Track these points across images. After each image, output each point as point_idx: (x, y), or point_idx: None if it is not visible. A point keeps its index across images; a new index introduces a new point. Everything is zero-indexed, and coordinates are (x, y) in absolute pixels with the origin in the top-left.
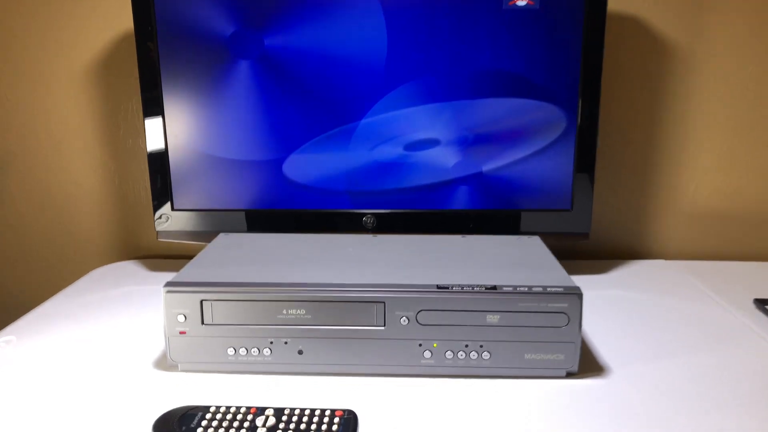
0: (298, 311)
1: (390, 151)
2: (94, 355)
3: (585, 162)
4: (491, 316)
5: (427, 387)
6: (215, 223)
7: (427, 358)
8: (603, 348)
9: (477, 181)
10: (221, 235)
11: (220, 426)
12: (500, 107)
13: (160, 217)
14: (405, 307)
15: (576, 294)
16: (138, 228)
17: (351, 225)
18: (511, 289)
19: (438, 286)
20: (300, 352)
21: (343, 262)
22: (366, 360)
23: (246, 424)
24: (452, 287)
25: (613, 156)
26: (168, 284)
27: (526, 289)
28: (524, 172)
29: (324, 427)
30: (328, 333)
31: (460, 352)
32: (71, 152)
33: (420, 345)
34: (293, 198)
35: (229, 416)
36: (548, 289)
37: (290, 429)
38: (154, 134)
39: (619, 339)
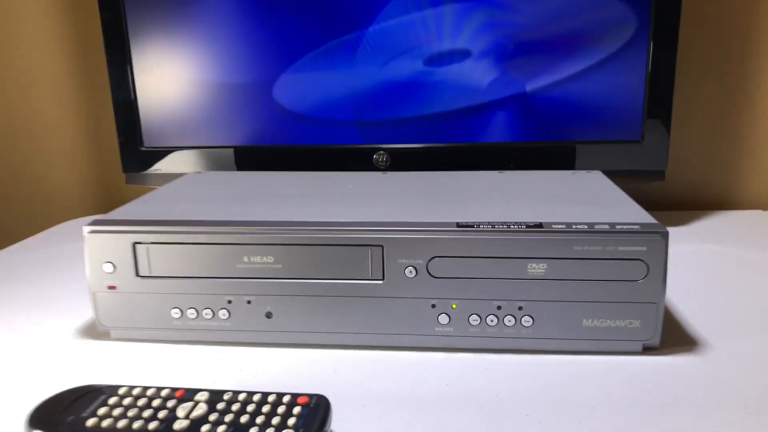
0: (265, 259)
1: (406, 68)
2: (15, 320)
3: (661, 79)
4: (535, 266)
5: (442, 365)
6: (195, 164)
7: (444, 325)
8: (691, 315)
9: (519, 104)
10: (189, 174)
11: (123, 416)
12: (549, 4)
13: (127, 159)
14: (412, 252)
15: (659, 233)
16: (114, 177)
17: (358, 164)
18: (563, 226)
19: (459, 224)
20: (268, 316)
21: (333, 198)
22: (357, 327)
23: (162, 414)
24: (479, 225)
25: (697, 76)
26: (92, 223)
27: (586, 226)
28: (580, 91)
29: (276, 420)
30: (306, 289)
31: (490, 317)
32: (39, 91)
33: (433, 306)
34: (287, 131)
35: (141, 401)
36: (618, 226)
37: (224, 422)
38: (116, 56)
39: (712, 305)
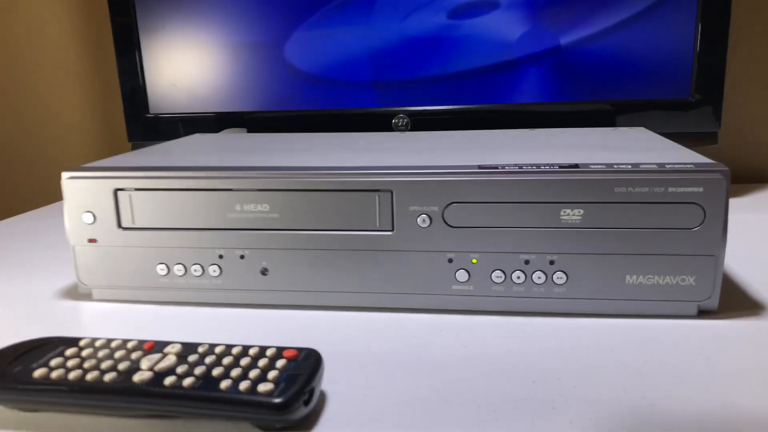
0: (260, 207)
1: (428, 21)
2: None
3: (713, 28)
4: (569, 212)
5: (460, 328)
6: (204, 132)
7: (462, 282)
8: (752, 280)
9: (553, 60)
10: (197, 135)
11: (78, 367)
12: None
13: (133, 127)
14: (425, 197)
15: (718, 171)
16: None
17: (376, 129)
18: (603, 167)
19: (481, 166)
20: (263, 272)
21: (341, 149)
22: (363, 285)
23: (122, 365)
24: (504, 166)
25: (757, 25)
26: (72, 169)
27: (630, 166)
28: (621, 44)
29: (254, 373)
30: (305, 242)
31: (517, 273)
32: (42, 57)
33: (450, 261)
34: (300, 94)
35: (102, 353)
36: (668, 165)
37: (193, 375)
38: (121, 19)
39: None
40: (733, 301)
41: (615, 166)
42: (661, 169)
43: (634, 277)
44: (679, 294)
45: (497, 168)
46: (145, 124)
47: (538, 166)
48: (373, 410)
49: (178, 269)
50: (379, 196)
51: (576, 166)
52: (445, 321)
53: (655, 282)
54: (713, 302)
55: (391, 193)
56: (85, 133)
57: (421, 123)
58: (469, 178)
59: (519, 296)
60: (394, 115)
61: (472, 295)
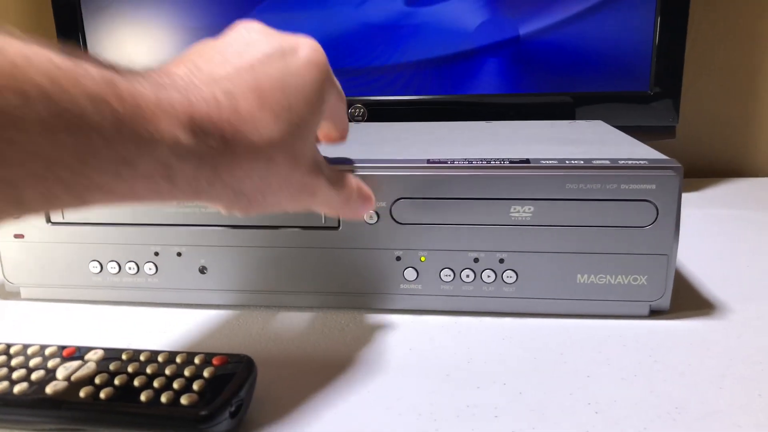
0: None
1: (385, 8)
2: None
3: (673, 20)
4: (519, 209)
5: (406, 328)
6: None
7: (410, 281)
8: (704, 278)
9: (512, 50)
10: None
11: None
12: None
13: None
14: (373, 192)
15: (671, 168)
16: None
17: None
18: (555, 162)
19: (429, 161)
20: (202, 271)
21: None
22: (308, 284)
23: (36, 375)
24: (453, 161)
25: (716, 19)
26: None
27: (582, 162)
28: (581, 35)
29: (179, 383)
30: (246, 239)
31: (466, 272)
32: None
33: (398, 259)
34: None
35: (17, 361)
36: (621, 161)
37: (112, 385)
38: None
39: (727, 267)
40: (685, 300)
41: (567, 162)
42: (614, 165)
43: (585, 276)
44: (630, 294)
45: (446, 162)
46: None
47: (488, 161)
48: (310, 419)
49: (111, 267)
50: None
51: (527, 161)
52: (391, 321)
53: (607, 281)
54: (665, 302)
55: None
56: None
57: (378, 113)
58: (417, 173)
59: (468, 295)
60: (350, 105)
61: (420, 294)
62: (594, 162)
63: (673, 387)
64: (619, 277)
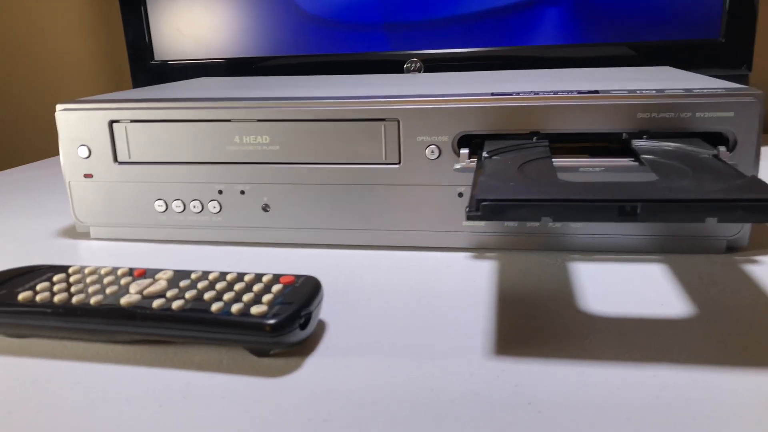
0: (260, 139)
1: None
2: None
3: None
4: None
5: (470, 267)
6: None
7: None
8: None
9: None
10: (201, 78)
11: (64, 291)
12: None
13: (138, 74)
14: (434, 126)
15: (752, 95)
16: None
17: (388, 72)
18: (624, 92)
19: (494, 93)
20: (264, 209)
21: (348, 83)
22: (368, 222)
23: (110, 289)
24: (518, 93)
25: None
26: (66, 102)
27: (654, 91)
28: None
29: (248, 296)
30: (308, 176)
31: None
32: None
33: (460, 195)
34: (308, 38)
35: (91, 278)
36: (696, 90)
37: (183, 298)
38: None
39: None
40: (764, 236)
41: (638, 92)
42: (688, 93)
43: None
44: (707, 229)
45: (511, 95)
46: (150, 71)
47: (555, 92)
48: (372, 340)
49: (176, 205)
50: (385, 127)
51: (596, 92)
52: (454, 258)
53: None
54: (743, 238)
55: (398, 122)
56: (92, 81)
57: (435, 67)
58: (482, 105)
59: (530, 232)
60: (406, 59)
61: (483, 232)
62: (667, 91)
63: (745, 327)
64: None
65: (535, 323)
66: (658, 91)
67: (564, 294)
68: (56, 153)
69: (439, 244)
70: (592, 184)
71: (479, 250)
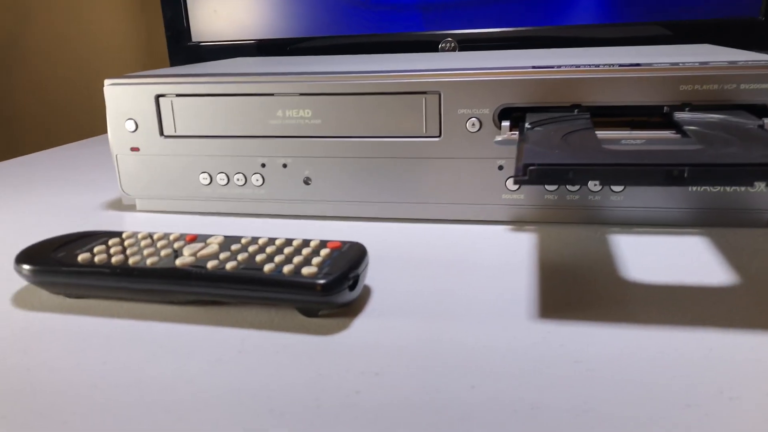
0: (302, 112)
1: None
2: (47, 195)
3: None
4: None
5: (509, 239)
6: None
7: (513, 191)
8: None
9: None
10: (239, 58)
11: (120, 253)
12: None
13: (175, 55)
14: (476, 99)
15: None
16: None
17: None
18: (667, 65)
19: (535, 66)
20: (306, 182)
21: (388, 58)
22: (408, 194)
23: (164, 252)
24: (560, 66)
25: None
26: (114, 77)
27: (697, 63)
28: None
29: (298, 259)
30: (350, 149)
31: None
32: None
33: (500, 168)
34: (342, 18)
35: (145, 242)
36: (740, 62)
37: (235, 260)
38: None
39: None
40: None
41: (681, 64)
42: (733, 65)
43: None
44: (747, 202)
45: (553, 67)
46: (187, 52)
47: (596, 65)
48: (416, 304)
49: (220, 178)
50: (426, 99)
51: (638, 64)
52: (493, 231)
53: (721, 189)
54: None
55: (439, 95)
56: (130, 63)
57: (469, 47)
58: (522, 78)
59: (571, 205)
60: (441, 39)
61: (523, 205)
62: (711, 63)
63: None
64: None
65: (578, 290)
66: (701, 63)
67: (605, 264)
68: (99, 132)
69: (479, 217)
70: (638, 151)
71: (518, 223)
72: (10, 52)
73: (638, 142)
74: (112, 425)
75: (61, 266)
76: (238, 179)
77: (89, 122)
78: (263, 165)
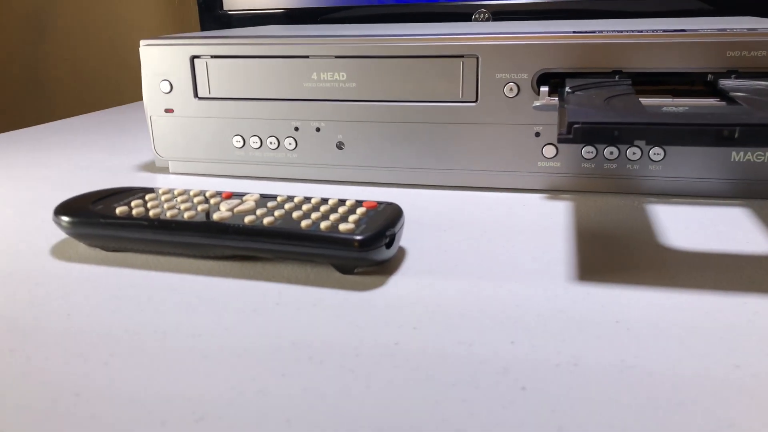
0: (336, 76)
1: None
2: (83, 156)
3: None
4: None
5: (545, 206)
6: None
7: (549, 159)
8: None
9: None
10: (273, 26)
11: (158, 207)
12: None
13: (207, 24)
14: (514, 63)
15: None
16: None
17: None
18: (714, 30)
19: (576, 31)
20: (339, 146)
21: (426, 25)
22: (444, 161)
23: (201, 207)
24: (602, 31)
25: None
26: (150, 38)
27: (745, 30)
28: None
29: (334, 216)
30: (384, 114)
31: (610, 149)
32: None
33: (537, 135)
34: None
35: (182, 198)
36: None
37: (272, 215)
38: None
39: None
40: None
41: (728, 30)
42: None
43: (741, 154)
44: None
45: (594, 32)
46: (219, 21)
47: (639, 30)
48: (453, 264)
49: (253, 141)
50: (463, 63)
51: (683, 30)
52: (529, 199)
53: (765, 159)
54: None
55: (477, 58)
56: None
57: (503, 18)
58: (563, 42)
59: (611, 174)
60: (474, 9)
61: (559, 173)
62: (759, 29)
63: None
64: None
65: (617, 255)
66: (749, 29)
67: (643, 232)
68: (134, 99)
69: (514, 185)
70: (685, 113)
71: (554, 191)
72: (44, 21)
73: (681, 109)
74: (150, 368)
75: (100, 218)
76: (271, 143)
77: (121, 90)
78: (296, 128)
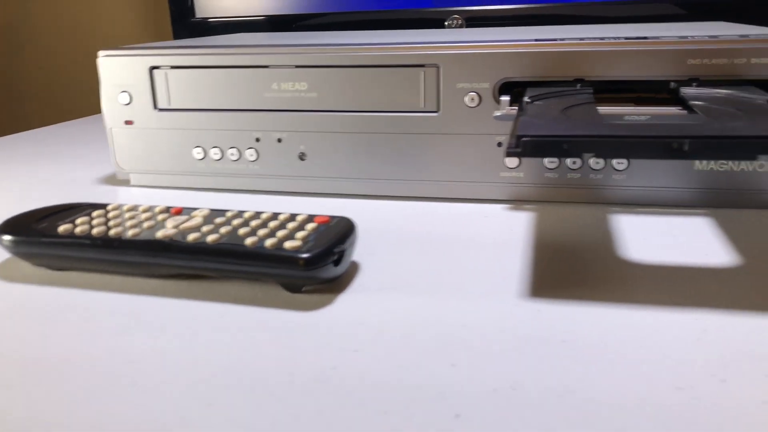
0: (297, 85)
1: None
2: (45, 170)
3: None
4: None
5: (507, 217)
6: None
7: (512, 168)
8: None
9: None
10: (241, 33)
11: (102, 224)
12: None
13: (179, 31)
14: (475, 73)
15: None
16: None
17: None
18: (675, 38)
19: (538, 40)
20: (301, 157)
21: (388, 34)
22: (405, 171)
23: (147, 224)
24: (563, 39)
25: None
26: (108, 48)
27: (706, 37)
28: None
29: (282, 233)
30: (345, 124)
31: (573, 159)
32: None
33: (500, 145)
34: None
35: (129, 215)
36: (751, 35)
37: (218, 233)
38: None
39: None
40: None
41: (689, 37)
42: (744, 38)
43: (703, 163)
44: (756, 182)
45: (556, 40)
46: (191, 28)
47: (601, 38)
48: (405, 281)
49: (214, 153)
50: (424, 73)
51: (644, 38)
52: (491, 209)
53: (728, 168)
54: None
55: (438, 68)
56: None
57: (477, 25)
58: (524, 51)
59: (575, 184)
60: (447, 15)
61: (521, 183)
62: (720, 37)
63: None
64: (743, 163)
65: (573, 269)
66: (711, 36)
67: (604, 243)
68: (96, 111)
69: (477, 195)
70: (640, 125)
71: (517, 201)
72: (18, 33)
73: (642, 118)
74: (75, 396)
75: (41, 237)
76: (232, 154)
77: (96, 100)
78: (257, 140)
